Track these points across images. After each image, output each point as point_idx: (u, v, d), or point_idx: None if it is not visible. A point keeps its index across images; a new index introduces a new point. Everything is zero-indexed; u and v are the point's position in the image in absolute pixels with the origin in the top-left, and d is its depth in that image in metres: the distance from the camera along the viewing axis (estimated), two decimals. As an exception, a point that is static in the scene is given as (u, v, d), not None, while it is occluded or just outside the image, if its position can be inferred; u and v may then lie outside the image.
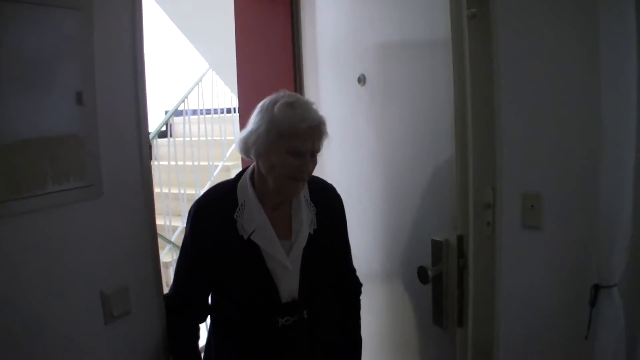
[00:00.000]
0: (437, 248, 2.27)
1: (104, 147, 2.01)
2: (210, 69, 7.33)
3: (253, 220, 2.07)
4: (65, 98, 1.90)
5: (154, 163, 7.17)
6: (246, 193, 2.11)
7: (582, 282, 2.20)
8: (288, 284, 2.11)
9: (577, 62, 2.18)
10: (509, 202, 2.29)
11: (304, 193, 2.17)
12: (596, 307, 2.15)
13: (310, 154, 2.02)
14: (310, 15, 3.05)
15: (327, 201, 2.24)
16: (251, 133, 2.04)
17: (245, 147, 2.08)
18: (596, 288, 2.15)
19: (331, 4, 2.96)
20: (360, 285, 2.37)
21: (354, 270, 2.38)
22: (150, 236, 2.19)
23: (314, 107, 2.05)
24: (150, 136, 6.85)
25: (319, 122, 2.02)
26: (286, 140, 1.98)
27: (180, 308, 2.18)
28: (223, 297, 2.22)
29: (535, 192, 2.26)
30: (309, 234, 2.13)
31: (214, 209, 2.13)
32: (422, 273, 2.28)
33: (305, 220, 2.13)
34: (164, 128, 7.59)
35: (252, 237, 2.06)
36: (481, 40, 2.21)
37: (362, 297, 2.36)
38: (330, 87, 2.98)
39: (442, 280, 2.27)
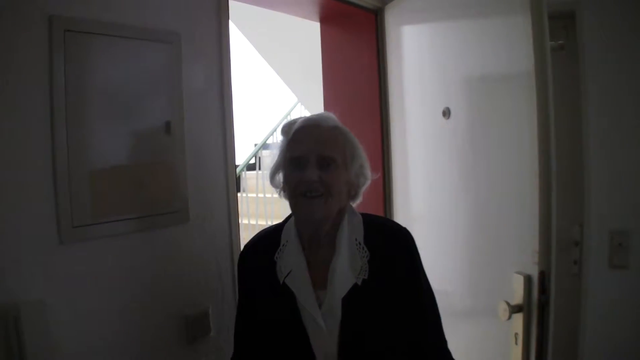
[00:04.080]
0: (519, 283, 2.23)
1: (191, 175, 2.09)
2: (299, 103, 7.44)
3: (290, 261, 1.78)
4: (154, 127, 1.99)
5: (242, 195, 7.30)
6: (290, 233, 1.83)
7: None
8: (323, 346, 1.73)
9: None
10: (596, 239, 2.23)
11: (356, 234, 1.80)
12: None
13: (319, 165, 1.71)
14: (396, 49, 3.07)
15: (389, 247, 1.78)
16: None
17: (271, 180, 1.88)
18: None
19: (416, 38, 2.99)
20: None
21: (442, 343, 1.88)
22: (232, 260, 2.25)
23: (332, 118, 1.82)
24: (239, 168, 7.02)
25: (319, 122, 1.79)
26: (287, 151, 1.78)
27: None
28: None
29: (623, 230, 2.19)
30: (357, 285, 1.72)
31: (256, 250, 1.89)
32: (503, 308, 2.24)
33: (346, 266, 1.74)
34: (252, 161, 7.73)
35: (286, 281, 1.75)
36: (567, 72, 2.18)
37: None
38: (416, 120, 2.98)
39: (523, 316, 2.22)
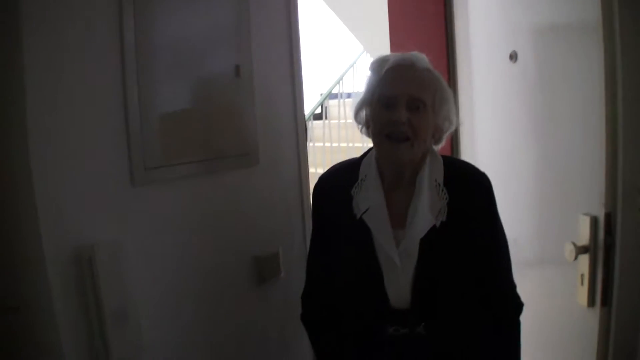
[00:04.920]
0: (585, 224, 2.23)
1: (261, 119, 2.11)
2: (365, 52, 7.39)
3: (369, 197, 1.77)
4: (223, 71, 2.01)
5: (309, 144, 7.34)
6: (369, 168, 1.82)
7: None
8: (396, 286, 1.74)
9: None
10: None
11: (436, 175, 1.79)
12: None
13: (408, 106, 1.69)
14: (463, -6, 3.06)
15: (468, 190, 1.79)
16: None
17: (355, 115, 1.87)
18: None
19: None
20: (521, 305, 1.87)
21: (512, 288, 1.88)
22: (302, 204, 2.30)
23: (425, 59, 1.79)
24: (305, 118, 7.04)
25: (414, 62, 1.75)
26: (376, 88, 1.75)
27: (311, 299, 1.96)
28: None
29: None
30: (435, 226, 1.73)
31: (333, 183, 1.89)
32: (569, 249, 2.25)
33: (426, 207, 1.73)
34: (318, 110, 7.76)
35: (363, 217, 1.75)
36: (635, 19, 2.13)
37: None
38: (482, 65, 2.97)
39: (589, 257, 2.22)
